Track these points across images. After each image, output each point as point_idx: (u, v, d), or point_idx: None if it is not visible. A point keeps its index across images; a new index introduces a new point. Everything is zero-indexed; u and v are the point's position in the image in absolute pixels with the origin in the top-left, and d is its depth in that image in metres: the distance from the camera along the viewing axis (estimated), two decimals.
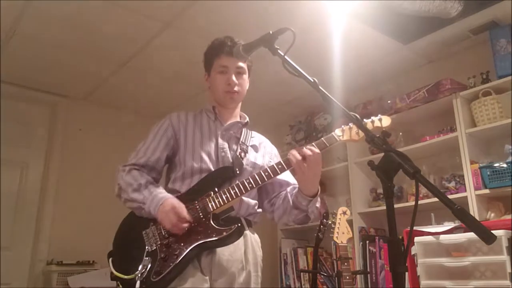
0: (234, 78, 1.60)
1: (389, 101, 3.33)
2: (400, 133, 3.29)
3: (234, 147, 1.60)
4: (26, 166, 3.59)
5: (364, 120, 1.44)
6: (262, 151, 1.69)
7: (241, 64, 1.62)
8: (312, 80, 1.23)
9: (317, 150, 1.42)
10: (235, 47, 1.46)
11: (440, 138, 2.97)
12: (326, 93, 1.21)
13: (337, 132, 1.51)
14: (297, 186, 1.56)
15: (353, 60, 3.27)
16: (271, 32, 1.34)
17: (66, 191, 3.63)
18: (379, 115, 1.54)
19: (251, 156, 1.62)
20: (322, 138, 1.49)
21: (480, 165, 2.70)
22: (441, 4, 2.66)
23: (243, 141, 1.63)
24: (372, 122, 1.51)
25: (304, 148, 1.43)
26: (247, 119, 1.72)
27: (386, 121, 1.53)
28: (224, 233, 1.41)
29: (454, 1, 2.64)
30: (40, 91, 3.69)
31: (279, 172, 1.46)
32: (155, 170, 1.58)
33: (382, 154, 1.02)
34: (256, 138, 1.72)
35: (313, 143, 1.46)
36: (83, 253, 3.38)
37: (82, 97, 3.89)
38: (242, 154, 1.58)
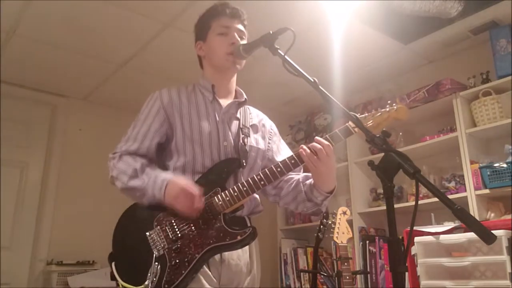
0: (237, 37, 1.47)
1: (389, 101, 3.33)
2: (400, 133, 3.29)
3: (235, 130, 1.48)
4: (26, 166, 3.59)
5: (379, 109, 1.35)
6: (261, 131, 1.57)
7: (242, 28, 1.51)
8: (312, 80, 1.22)
9: (326, 143, 1.31)
10: (236, 47, 1.44)
11: (440, 138, 2.97)
12: (326, 93, 1.21)
13: (352, 124, 1.33)
14: (311, 175, 1.43)
15: (353, 60, 3.27)
16: (271, 32, 1.33)
17: (66, 191, 3.63)
18: (395, 104, 1.36)
19: (253, 140, 1.50)
20: (336, 130, 1.35)
21: (480, 165, 2.70)
22: (441, 4, 2.66)
23: (244, 123, 1.50)
24: (388, 112, 1.34)
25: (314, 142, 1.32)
26: (245, 95, 1.58)
27: (403, 112, 1.35)
28: (239, 237, 1.29)
29: (454, 1, 2.64)
30: (40, 91, 3.69)
31: (292, 168, 1.34)
32: (146, 158, 1.44)
33: (382, 154, 1.02)
34: (254, 114, 1.60)
35: (326, 136, 1.34)
36: (83, 253, 3.39)
37: (82, 97, 3.89)
38: (246, 140, 1.46)
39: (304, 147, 1.32)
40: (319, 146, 1.30)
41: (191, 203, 1.28)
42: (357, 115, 1.24)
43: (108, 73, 3.45)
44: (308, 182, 1.45)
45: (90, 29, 2.83)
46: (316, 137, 1.33)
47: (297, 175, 1.51)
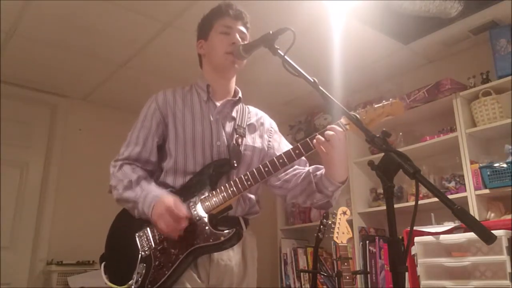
0: (239, 38, 1.47)
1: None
2: (400, 133, 3.29)
3: (229, 130, 1.47)
4: (26, 166, 3.59)
5: (374, 105, 1.32)
6: (259, 130, 1.55)
7: (244, 30, 1.51)
8: (312, 80, 1.22)
9: (339, 129, 1.27)
10: (236, 47, 1.44)
11: (440, 138, 2.97)
12: (326, 93, 1.21)
13: (343, 120, 1.30)
14: (321, 167, 1.39)
15: (353, 60, 3.27)
16: (271, 32, 1.32)
17: (66, 191, 3.63)
18: (391, 99, 1.33)
19: (249, 139, 1.49)
20: (328, 126, 1.30)
21: (480, 165, 2.70)
22: (441, 4, 2.66)
23: (239, 123, 1.49)
24: (383, 107, 1.31)
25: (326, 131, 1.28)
26: (240, 93, 1.57)
27: (398, 107, 1.31)
28: (222, 238, 1.27)
29: (454, 1, 2.64)
30: (40, 91, 3.69)
31: (279, 168, 1.32)
32: (150, 163, 1.45)
33: (382, 154, 1.02)
34: (252, 113, 1.58)
35: (338, 122, 1.30)
36: (83, 253, 3.39)
37: (82, 97, 3.89)
38: (240, 140, 1.45)
39: (318, 135, 1.28)
40: (331, 132, 1.26)
41: (174, 224, 1.25)
42: (357, 116, 1.24)
43: (108, 73, 3.45)
44: (319, 172, 1.40)
45: (90, 29, 2.83)
46: (329, 126, 1.29)
47: (305, 168, 1.48)
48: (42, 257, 3.41)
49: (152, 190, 1.35)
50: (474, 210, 2.66)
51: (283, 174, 1.48)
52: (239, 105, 1.56)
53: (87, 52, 3.13)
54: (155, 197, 1.31)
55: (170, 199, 1.28)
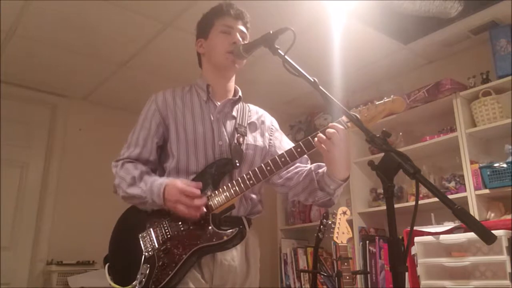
0: (239, 37, 1.48)
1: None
2: (400, 133, 3.29)
3: (230, 130, 1.47)
4: (26, 166, 3.59)
5: (375, 102, 1.31)
6: (260, 129, 1.55)
7: (244, 30, 1.52)
8: (312, 80, 1.22)
9: (340, 127, 1.27)
10: (236, 47, 1.44)
11: (440, 138, 2.97)
12: (326, 93, 1.20)
13: (345, 118, 1.29)
14: (323, 165, 1.39)
15: (353, 60, 3.27)
16: (271, 32, 1.33)
17: (66, 191, 3.63)
18: (392, 96, 1.31)
19: (250, 138, 1.49)
20: (329, 124, 1.29)
21: (480, 165, 2.70)
22: (441, 4, 2.66)
23: (240, 122, 1.49)
24: (384, 104, 1.29)
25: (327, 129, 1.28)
26: (240, 92, 1.57)
27: (399, 103, 1.29)
28: (225, 237, 1.29)
29: (454, 1, 2.64)
30: (40, 91, 3.69)
31: (281, 166, 1.32)
32: (150, 162, 1.45)
33: (382, 154, 1.02)
34: (253, 112, 1.59)
35: (340, 119, 1.29)
36: (83, 253, 3.39)
37: (82, 97, 3.89)
38: (241, 139, 1.45)
39: (320, 133, 1.28)
40: (332, 130, 1.27)
41: (193, 203, 1.27)
42: (358, 116, 1.23)
43: (108, 73, 3.45)
44: (321, 170, 1.41)
45: (90, 29, 2.83)
46: (330, 123, 1.29)
47: (307, 166, 1.48)
48: (42, 257, 3.41)
49: (155, 179, 1.36)
50: (474, 210, 2.66)
51: (285, 172, 1.49)
52: (239, 104, 1.56)
53: (87, 52, 3.13)
54: (161, 185, 1.31)
55: (179, 182, 1.30)
